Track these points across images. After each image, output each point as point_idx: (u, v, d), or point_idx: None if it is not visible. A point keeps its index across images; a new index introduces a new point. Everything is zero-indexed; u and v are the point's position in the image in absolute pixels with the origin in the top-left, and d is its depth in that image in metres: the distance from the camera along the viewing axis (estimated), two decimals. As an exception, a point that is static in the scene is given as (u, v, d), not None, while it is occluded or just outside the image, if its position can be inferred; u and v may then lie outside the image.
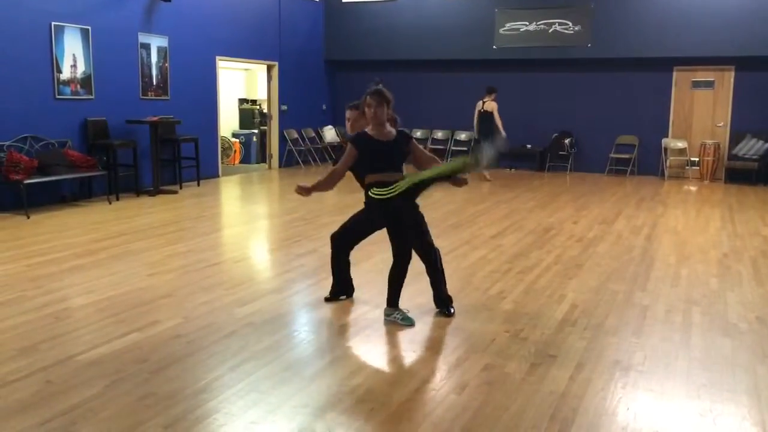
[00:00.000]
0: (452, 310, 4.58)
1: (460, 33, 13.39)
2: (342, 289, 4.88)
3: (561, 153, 13.35)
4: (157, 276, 5.47)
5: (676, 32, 11.89)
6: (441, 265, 4.60)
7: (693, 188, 11.57)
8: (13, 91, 8.34)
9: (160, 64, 10.52)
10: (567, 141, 13.23)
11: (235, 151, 14.25)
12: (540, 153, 13.55)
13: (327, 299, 4.86)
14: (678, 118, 12.77)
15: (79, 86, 9.18)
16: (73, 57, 9.06)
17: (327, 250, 6.25)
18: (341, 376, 3.61)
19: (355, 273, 4.93)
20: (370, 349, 4.03)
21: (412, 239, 4.41)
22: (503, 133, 11.29)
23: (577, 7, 12.62)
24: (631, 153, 12.96)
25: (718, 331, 4.35)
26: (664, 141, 12.71)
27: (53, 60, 8.79)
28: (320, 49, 14.60)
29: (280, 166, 13.68)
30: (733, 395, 3.39)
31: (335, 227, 4.86)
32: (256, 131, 14.50)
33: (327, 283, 5.17)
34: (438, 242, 4.70)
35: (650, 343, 4.10)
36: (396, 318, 4.39)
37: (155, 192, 9.84)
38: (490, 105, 11.62)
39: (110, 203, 8.97)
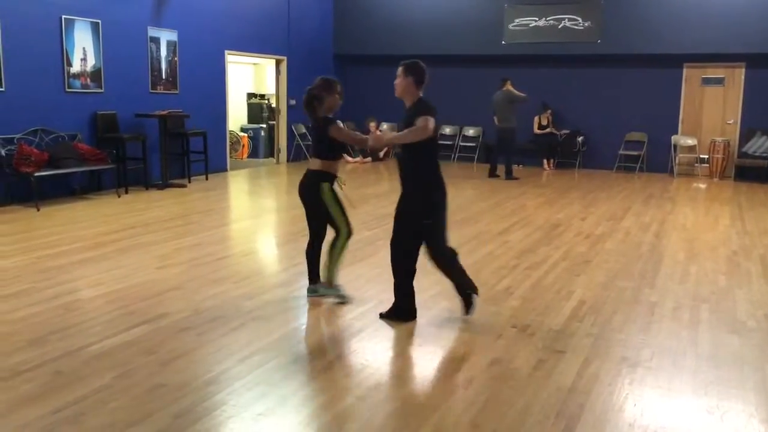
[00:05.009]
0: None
1: (470, 28, 13.35)
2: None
3: (572, 150, 13.28)
4: (165, 269, 5.50)
5: (687, 29, 11.82)
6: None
7: (702, 186, 11.52)
8: (24, 84, 8.37)
9: (170, 58, 10.55)
10: (580, 139, 13.15)
11: (243, 146, 14.27)
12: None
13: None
14: (688, 115, 12.71)
15: (89, 79, 9.22)
16: (83, 50, 9.09)
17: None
18: (348, 369, 3.62)
19: (360, 269, 4.93)
20: (377, 344, 4.04)
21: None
22: None
23: (587, 3, 12.57)
24: (641, 150, 12.91)
25: (725, 328, 4.34)
26: (674, 138, 12.64)
27: (63, 53, 8.82)
28: (329, 43, 14.60)
29: (288, 161, 13.69)
30: (741, 392, 3.39)
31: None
32: (264, 126, 14.52)
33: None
34: (446, 237, 4.68)
35: (658, 340, 4.10)
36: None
37: (164, 185, 9.88)
38: None
39: (119, 196, 9.01)
